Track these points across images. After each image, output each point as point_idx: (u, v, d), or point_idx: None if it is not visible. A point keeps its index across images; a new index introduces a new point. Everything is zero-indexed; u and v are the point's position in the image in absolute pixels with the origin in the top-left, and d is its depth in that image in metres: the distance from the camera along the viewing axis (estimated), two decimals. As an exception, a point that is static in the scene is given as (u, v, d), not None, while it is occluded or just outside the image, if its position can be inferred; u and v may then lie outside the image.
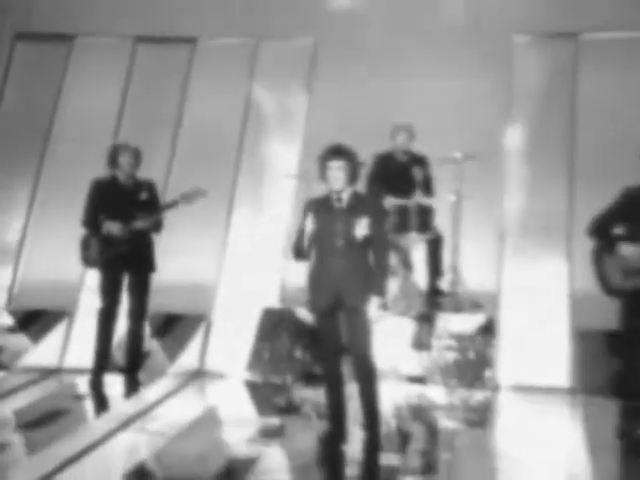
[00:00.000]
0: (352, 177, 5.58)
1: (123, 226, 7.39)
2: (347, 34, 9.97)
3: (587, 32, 9.75)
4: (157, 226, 7.62)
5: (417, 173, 8.09)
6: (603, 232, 6.45)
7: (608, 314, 6.71)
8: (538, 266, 8.71)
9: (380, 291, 5.59)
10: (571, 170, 9.25)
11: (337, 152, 5.55)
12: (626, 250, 6.35)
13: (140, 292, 7.63)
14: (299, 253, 5.72)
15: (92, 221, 7.48)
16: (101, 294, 7.56)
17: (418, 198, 8.05)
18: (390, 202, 7.92)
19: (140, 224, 7.46)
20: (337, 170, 5.50)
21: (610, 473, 5.46)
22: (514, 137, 9.58)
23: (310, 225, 5.58)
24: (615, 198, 6.41)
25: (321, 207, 5.60)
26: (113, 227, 7.39)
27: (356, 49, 9.83)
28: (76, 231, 7.57)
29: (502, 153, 9.45)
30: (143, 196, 7.57)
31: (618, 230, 6.40)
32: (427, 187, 8.19)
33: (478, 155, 8.17)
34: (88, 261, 7.57)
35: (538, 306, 8.41)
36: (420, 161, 8.20)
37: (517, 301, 8.49)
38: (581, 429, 6.47)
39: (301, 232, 5.65)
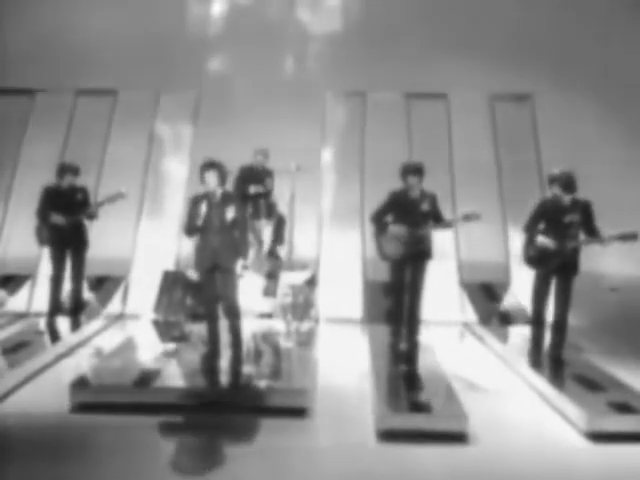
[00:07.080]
0: (221, 180, 5.65)
1: (65, 218, 7.29)
2: (221, 88, 9.92)
3: (373, 91, 10.00)
4: (92, 217, 7.44)
5: (268, 181, 8.26)
6: (379, 220, 6.47)
7: (385, 271, 6.74)
8: (343, 240, 8.86)
9: (243, 256, 5.70)
10: (362, 178, 9.48)
11: (210, 164, 5.62)
12: (392, 230, 6.38)
13: (78, 262, 7.48)
14: (189, 232, 5.75)
15: (43, 214, 7.33)
16: (51, 264, 7.48)
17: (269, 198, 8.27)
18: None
19: (78, 216, 7.34)
20: (210, 176, 5.59)
21: (383, 370, 5.81)
22: (326, 157, 9.74)
23: (196, 212, 5.62)
24: (385, 198, 6.45)
25: (203, 200, 5.63)
26: (58, 219, 7.28)
27: (227, 99, 9.76)
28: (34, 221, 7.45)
29: (320, 167, 9.56)
30: (79, 197, 7.41)
31: (388, 219, 6.43)
32: (271, 189, 8.34)
33: (305, 167, 8.38)
34: (42, 242, 7.46)
35: (343, 266, 8.57)
36: (270, 173, 8.33)
37: (330, 263, 8.63)
38: (368, 344, 6.75)
39: (190, 217, 5.70)
